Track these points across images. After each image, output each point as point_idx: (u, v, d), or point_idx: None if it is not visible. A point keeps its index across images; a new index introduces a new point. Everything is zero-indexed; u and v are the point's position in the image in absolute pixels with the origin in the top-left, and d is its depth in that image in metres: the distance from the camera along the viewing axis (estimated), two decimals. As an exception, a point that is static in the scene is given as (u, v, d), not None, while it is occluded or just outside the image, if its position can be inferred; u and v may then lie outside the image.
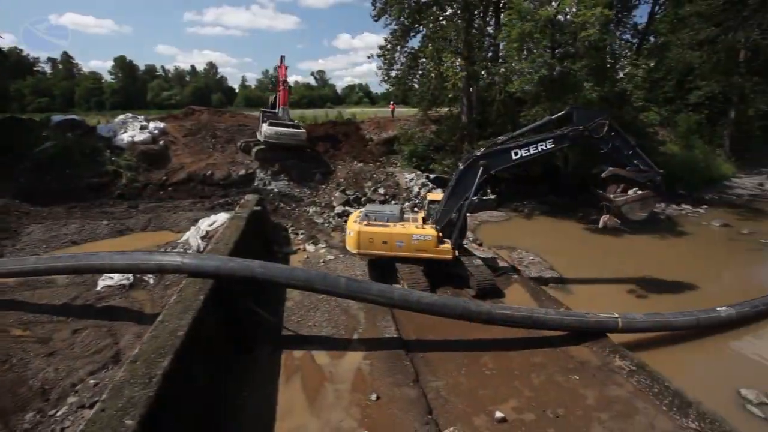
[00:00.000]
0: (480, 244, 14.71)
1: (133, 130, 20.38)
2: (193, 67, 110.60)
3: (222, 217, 13.15)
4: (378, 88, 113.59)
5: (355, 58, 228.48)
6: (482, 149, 10.84)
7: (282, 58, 22.10)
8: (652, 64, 19.84)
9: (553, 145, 10.33)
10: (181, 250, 11.76)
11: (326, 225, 16.66)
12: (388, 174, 21.40)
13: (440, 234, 10.87)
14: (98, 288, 9.57)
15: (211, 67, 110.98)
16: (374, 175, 20.94)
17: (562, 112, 10.67)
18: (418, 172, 21.72)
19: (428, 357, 7.90)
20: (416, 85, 25.21)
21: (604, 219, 11.14)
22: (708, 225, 18.68)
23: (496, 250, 14.09)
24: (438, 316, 8.34)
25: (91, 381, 6.43)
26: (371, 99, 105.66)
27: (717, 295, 10.84)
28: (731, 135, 32.23)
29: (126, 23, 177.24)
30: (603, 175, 10.77)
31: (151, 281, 10.06)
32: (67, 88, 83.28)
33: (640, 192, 10.75)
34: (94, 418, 4.10)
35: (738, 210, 21.35)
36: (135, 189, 18.17)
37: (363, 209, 12.54)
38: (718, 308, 9.39)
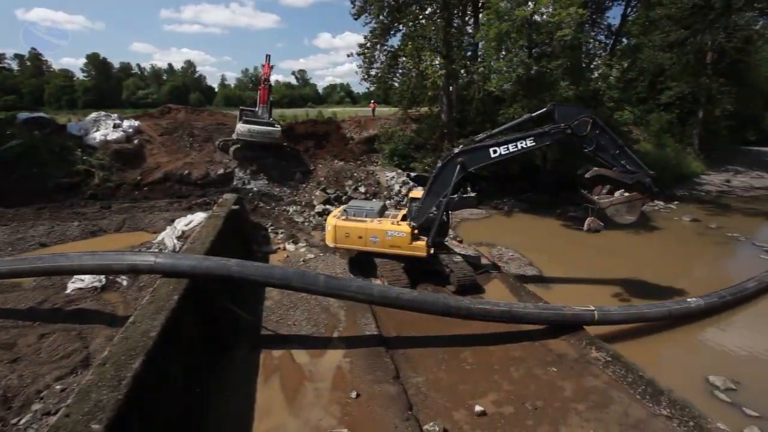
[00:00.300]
0: (460, 241, 14.83)
1: (105, 129, 19.64)
2: (170, 65, 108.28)
3: (199, 217, 12.87)
4: (359, 87, 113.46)
5: (336, 57, 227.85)
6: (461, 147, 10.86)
7: (268, 57, 21.90)
8: (625, 65, 20.38)
9: (533, 144, 9.81)
10: (157, 250, 11.44)
11: (306, 224, 16.51)
12: (368, 172, 21.37)
13: (415, 231, 10.86)
14: (68, 291, 9.19)
15: (189, 65, 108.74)
16: (355, 174, 20.87)
17: (543, 110, 10.08)
18: (399, 171, 21.77)
19: (408, 353, 7.89)
20: (396, 84, 25.22)
21: (588, 221, 10.42)
22: (679, 220, 19.39)
23: (476, 247, 14.22)
24: (418, 313, 8.35)
25: (58, 387, 6.16)
26: (353, 99, 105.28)
27: (688, 287, 11.26)
28: (700, 134, 33.51)
29: (99, 19, 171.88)
30: (587, 175, 10.09)
31: (125, 283, 9.72)
32: (36, 85, 79.93)
33: (626, 194, 10.03)
34: (57, 424, 3.91)
35: (707, 205, 22.27)
36: (108, 189, 17.53)
37: (345, 205, 12.58)
38: (688, 299, 9.72)
